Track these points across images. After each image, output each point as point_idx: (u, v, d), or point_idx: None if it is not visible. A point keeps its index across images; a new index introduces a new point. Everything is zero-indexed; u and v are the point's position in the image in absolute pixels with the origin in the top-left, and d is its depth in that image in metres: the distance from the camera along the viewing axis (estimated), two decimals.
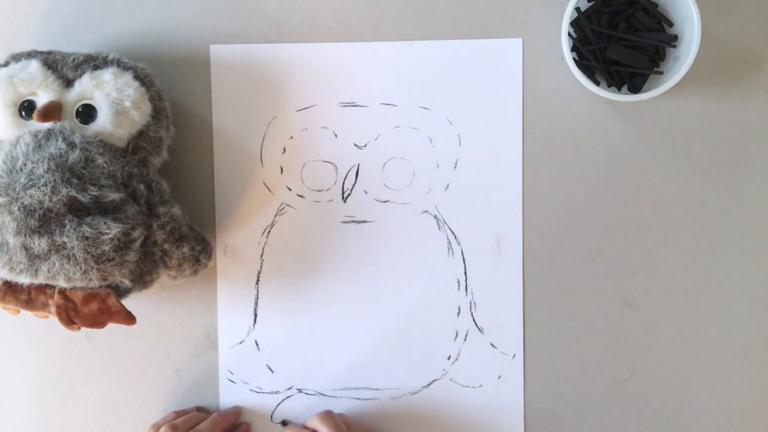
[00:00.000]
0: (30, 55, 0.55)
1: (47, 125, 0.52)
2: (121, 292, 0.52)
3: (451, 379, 0.61)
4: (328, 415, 0.57)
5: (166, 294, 0.62)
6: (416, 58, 0.61)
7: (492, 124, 0.61)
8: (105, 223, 0.50)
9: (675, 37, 0.58)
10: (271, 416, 0.62)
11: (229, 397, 0.62)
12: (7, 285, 0.51)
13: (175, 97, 0.60)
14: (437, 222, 0.61)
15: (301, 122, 0.61)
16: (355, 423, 0.59)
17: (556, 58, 0.61)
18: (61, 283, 0.50)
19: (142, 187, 0.54)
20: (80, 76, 0.54)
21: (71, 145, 0.51)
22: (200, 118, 0.61)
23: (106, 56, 0.56)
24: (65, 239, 0.49)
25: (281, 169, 0.61)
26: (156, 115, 0.56)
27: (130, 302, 0.55)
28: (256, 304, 0.62)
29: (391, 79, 0.61)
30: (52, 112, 0.52)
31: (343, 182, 0.61)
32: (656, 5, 0.58)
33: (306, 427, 0.57)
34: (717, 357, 0.61)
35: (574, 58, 0.57)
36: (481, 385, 0.61)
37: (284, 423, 0.61)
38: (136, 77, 0.55)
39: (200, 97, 0.61)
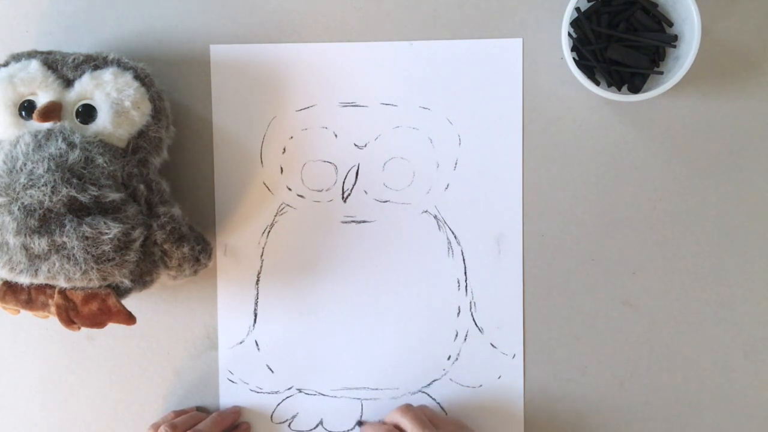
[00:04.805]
0: (30, 55, 0.55)
1: (47, 125, 0.52)
2: (121, 292, 0.52)
3: (451, 379, 0.61)
4: (408, 408, 0.56)
5: (166, 294, 0.62)
6: (416, 58, 0.61)
7: (492, 124, 0.61)
8: (105, 223, 0.50)
9: (675, 37, 0.58)
10: (271, 416, 0.62)
11: (229, 397, 0.62)
12: (7, 285, 0.51)
13: (175, 97, 0.60)
14: (437, 222, 0.61)
15: (301, 122, 0.61)
16: (438, 414, 0.59)
17: (556, 58, 0.61)
18: (61, 283, 0.50)
19: (142, 187, 0.54)
20: (80, 76, 0.54)
21: (71, 145, 0.51)
22: (200, 118, 0.61)
23: (106, 56, 0.56)
24: (65, 239, 0.49)
25: (281, 169, 0.61)
26: (156, 115, 0.56)
27: (130, 302, 0.55)
28: (256, 304, 0.62)
29: (391, 79, 0.61)
30: (52, 112, 0.52)
31: (343, 182, 0.61)
32: (656, 5, 0.58)
33: (385, 423, 0.57)
34: (717, 357, 0.61)
35: (574, 58, 0.57)
36: (481, 385, 0.61)
37: (360, 423, 0.61)
38: (136, 77, 0.55)
39: (200, 97, 0.61)
